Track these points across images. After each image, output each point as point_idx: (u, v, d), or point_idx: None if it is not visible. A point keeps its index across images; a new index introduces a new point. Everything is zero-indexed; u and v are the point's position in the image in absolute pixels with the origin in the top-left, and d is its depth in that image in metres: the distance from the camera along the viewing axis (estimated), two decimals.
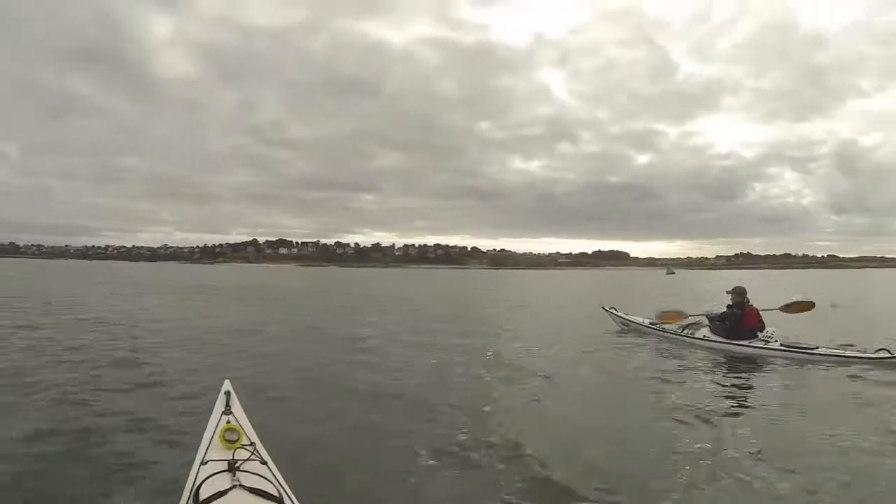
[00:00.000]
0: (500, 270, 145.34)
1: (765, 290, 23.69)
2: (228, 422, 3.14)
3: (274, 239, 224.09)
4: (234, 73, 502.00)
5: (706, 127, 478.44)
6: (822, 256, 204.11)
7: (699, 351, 9.61)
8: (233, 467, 2.64)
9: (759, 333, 9.10)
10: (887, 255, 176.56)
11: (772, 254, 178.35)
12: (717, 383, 7.32)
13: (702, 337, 9.98)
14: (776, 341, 8.90)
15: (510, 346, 10.41)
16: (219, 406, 3.39)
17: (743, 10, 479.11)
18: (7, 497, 3.65)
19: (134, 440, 4.67)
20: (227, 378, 3.77)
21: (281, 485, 2.62)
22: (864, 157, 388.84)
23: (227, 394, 3.49)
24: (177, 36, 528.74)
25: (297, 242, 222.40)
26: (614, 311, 13.01)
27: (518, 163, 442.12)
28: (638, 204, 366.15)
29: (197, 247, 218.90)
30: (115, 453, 4.36)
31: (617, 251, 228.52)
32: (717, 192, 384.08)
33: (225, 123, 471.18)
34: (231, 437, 2.95)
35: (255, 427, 3.26)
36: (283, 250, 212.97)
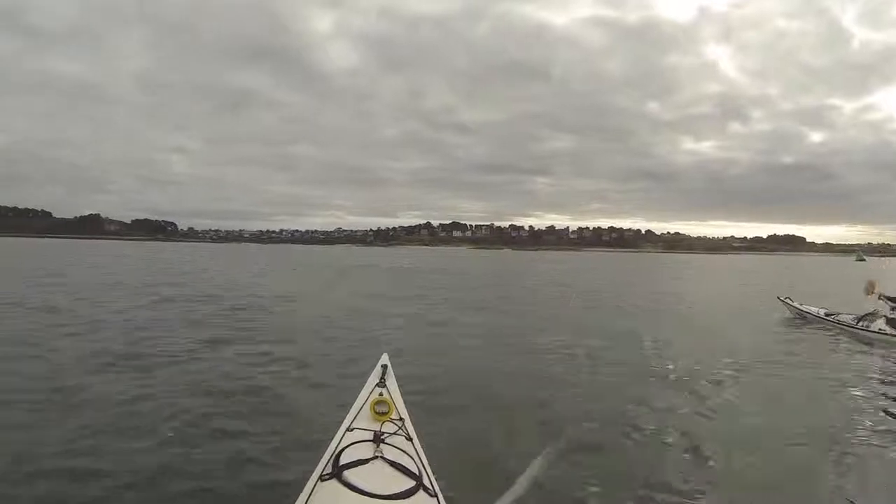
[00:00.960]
0: (675, 255, 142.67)
1: None
2: (381, 394, 3.18)
3: (447, 222, 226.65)
4: (400, 61, 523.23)
5: (885, 100, 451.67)
6: None
7: (874, 344, 9.24)
8: (378, 438, 2.68)
9: None
10: None
11: None
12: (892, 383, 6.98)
13: (877, 330, 9.46)
14: None
15: (687, 335, 10.29)
16: (373, 378, 3.47)
17: None
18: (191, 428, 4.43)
19: (287, 397, 5.37)
20: (387, 352, 3.90)
21: (422, 463, 2.61)
22: None
23: (384, 367, 3.57)
24: (340, 29, 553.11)
25: (470, 225, 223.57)
26: (789, 301, 13.01)
27: (689, 143, 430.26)
28: (813, 185, 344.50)
29: (370, 230, 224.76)
30: (268, 407, 5.05)
31: (792, 236, 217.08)
32: None
33: (394, 111, 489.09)
34: (381, 410, 3.00)
35: (406, 404, 3.28)
36: (456, 233, 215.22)
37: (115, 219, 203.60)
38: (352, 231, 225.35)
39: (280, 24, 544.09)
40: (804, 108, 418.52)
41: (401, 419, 2.98)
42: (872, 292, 10.01)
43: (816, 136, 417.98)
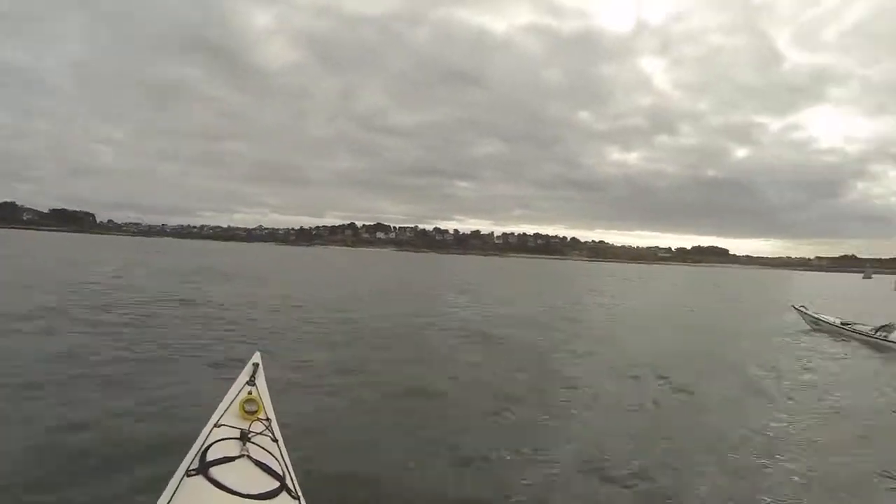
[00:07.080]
0: (605, 263, 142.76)
1: None
2: (250, 392, 3.09)
3: (372, 223, 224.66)
4: (337, 61, 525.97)
5: (810, 120, 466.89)
6: None
7: (892, 353, 9.65)
8: (245, 437, 2.61)
9: None
10: None
11: (876, 257, 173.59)
12: None
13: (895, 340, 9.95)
14: None
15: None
16: (244, 376, 3.33)
17: None
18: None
19: (155, 395, 5.19)
20: (259, 350, 3.70)
21: (286, 465, 2.58)
22: None
23: (255, 365, 3.43)
24: (279, 26, 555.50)
25: (394, 227, 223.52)
26: (804, 310, 13.41)
27: (616, 154, 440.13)
28: (735, 199, 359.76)
29: (293, 228, 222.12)
30: (139, 404, 4.92)
31: (717, 247, 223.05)
32: (817, 189, 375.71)
33: (328, 110, 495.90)
34: (250, 408, 2.90)
35: (274, 404, 3.17)
36: (380, 235, 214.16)
37: (31, 207, 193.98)
38: (274, 229, 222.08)
39: (215, 16, 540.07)
40: (732, 125, 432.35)
41: (268, 419, 2.88)
42: None
43: (741, 152, 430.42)
